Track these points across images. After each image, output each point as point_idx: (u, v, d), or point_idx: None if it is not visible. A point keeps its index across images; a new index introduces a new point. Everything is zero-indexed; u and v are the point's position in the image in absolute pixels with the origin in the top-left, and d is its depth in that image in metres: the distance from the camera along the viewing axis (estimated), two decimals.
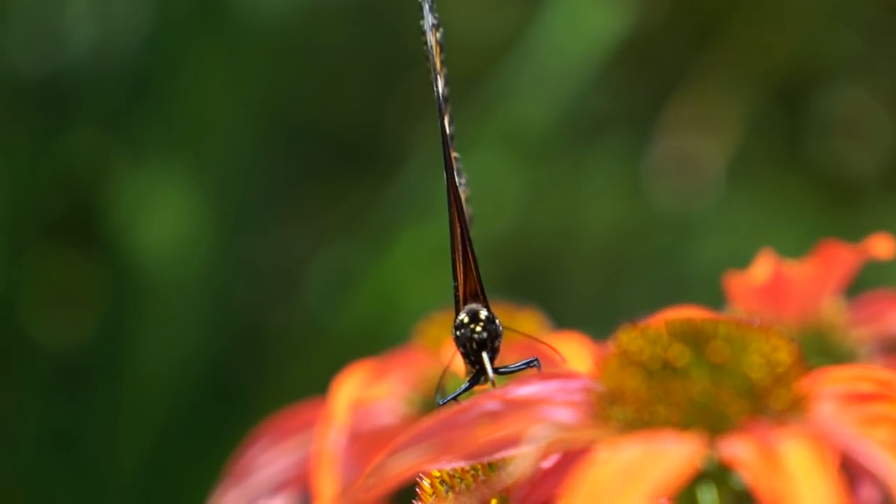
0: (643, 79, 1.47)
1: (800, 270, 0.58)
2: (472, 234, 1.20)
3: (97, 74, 1.42)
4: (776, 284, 0.58)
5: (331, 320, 1.38)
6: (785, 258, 1.41)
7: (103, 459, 1.36)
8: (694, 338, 0.41)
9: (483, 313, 0.50)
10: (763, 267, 0.58)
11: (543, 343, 0.57)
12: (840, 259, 0.57)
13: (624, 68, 1.41)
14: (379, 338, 1.34)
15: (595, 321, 1.45)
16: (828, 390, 0.42)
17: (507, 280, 1.44)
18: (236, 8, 1.40)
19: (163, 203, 1.38)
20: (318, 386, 1.30)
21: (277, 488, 0.62)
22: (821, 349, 0.59)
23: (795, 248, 1.43)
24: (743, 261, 1.44)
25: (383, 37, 1.56)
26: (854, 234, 1.43)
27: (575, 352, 0.56)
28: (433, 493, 0.46)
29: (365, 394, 0.58)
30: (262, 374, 1.42)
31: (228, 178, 1.42)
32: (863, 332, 0.60)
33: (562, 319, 1.46)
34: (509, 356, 0.57)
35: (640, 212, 1.43)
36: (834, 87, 1.50)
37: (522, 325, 0.61)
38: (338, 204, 1.54)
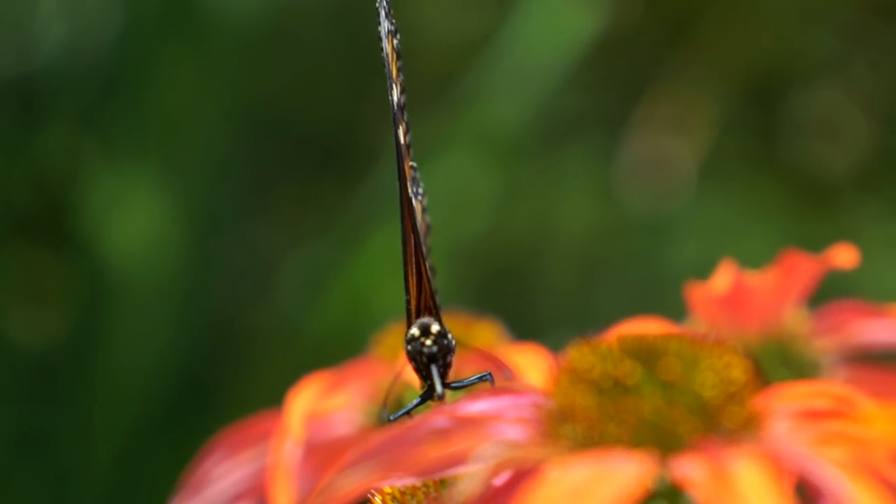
0: (616, 79, 1.47)
1: (761, 280, 0.57)
2: (443, 236, 1.20)
3: (68, 73, 1.41)
4: (737, 294, 0.57)
5: (303, 320, 1.38)
6: (758, 259, 1.41)
7: (75, 460, 1.35)
8: (645, 355, 0.41)
9: (434, 327, 0.50)
10: (723, 277, 0.57)
11: (498, 356, 0.56)
12: (802, 268, 0.57)
13: (596, 68, 1.41)
14: (351, 338, 1.33)
15: (570, 322, 1.46)
16: (783, 407, 0.42)
17: (481, 281, 1.44)
18: (207, 6, 1.39)
19: (134, 202, 1.38)
20: (289, 385, 1.30)
21: (233, 500, 0.61)
22: (783, 360, 0.58)
23: (769, 249, 1.43)
24: (716, 262, 1.44)
25: (358, 35, 1.56)
26: (828, 235, 1.43)
27: (532, 364, 0.56)
28: (386, 501, 0.45)
29: (321, 405, 0.58)
30: (235, 373, 1.42)
31: (200, 177, 1.42)
32: (826, 343, 0.59)
33: (536, 320, 1.46)
34: (467, 368, 0.57)
35: (613, 213, 1.43)
36: (808, 88, 1.50)
37: (480, 335, 0.60)
38: (311, 203, 1.54)
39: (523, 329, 1.43)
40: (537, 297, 1.46)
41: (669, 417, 0.40)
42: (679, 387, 0.40)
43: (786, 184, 1.47)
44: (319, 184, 1.57)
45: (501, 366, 0.56)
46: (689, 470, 0.39)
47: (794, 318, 0.59)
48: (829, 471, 0.39)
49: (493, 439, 0.41)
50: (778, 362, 0.58)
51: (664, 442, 0.40)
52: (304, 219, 1.54)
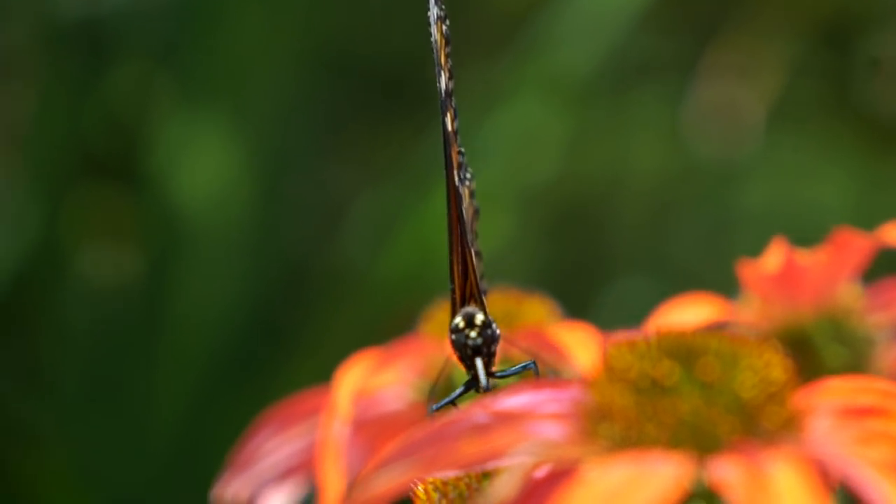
0: (686, 23, 1.46)
1: (814, 257, 0.57)
2: (514, 181, 1.20)
3: (137, 15, 1.41)
4: (789, 272, 0.57)
5: (372, 263, 1.38)
6: (829, 203, 1.41)
7: (145, 401, 1.36)
8: (684, 354, 0.40)
9: (479, 318, 0.49)
10: (775, 255, 0.57)
11: (547, 336, 0.56)
12: (855, 246, 0.56)
13: (666, 12, 1.41)
14: (419, 283, 1.34)
15: (642, 265, 1.46)
16: (825, 404, 0.41)
17: (553, 226, 1.43)
18: None
19: (205, 143, 1.38)
20: (358, 330, 1.30)
21: (283, 476, 0.61)
22: (836, 336, 0.58)
23: (840, 193, 1.43)
24: (786, 205, 1.43)
25: None
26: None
27: (581, 343, 0.55)
28: (426, 499, 0.45)
29: (371, 381, 0.58)
30: (305, 316, 1.42)
31: (271, 116, 1.42)
32: (880, 318, 0.59)
33: (607, 264, 1.46)
34: (519, 343, 0.56)
35: (683, 157, 1.42)
36: (881, 29, 1.49)
37: (531, 313, 0.60)
38: (383, 143, 1.54)
39: (595, 273, 1.44)
40: (608, 240, 1.46)
41: (708, 418, 0.40)
42: (718, 387, 0.40)
43: (858, 127, 1.46)
44: (392, 124, 1.57)
45: (550, 344, 0.56)
46: (726, 472, 0.39)
47: (848, 295, 0.58)
48: (868, 473, 0.39)
49: (531, 436, 0.41)
50: (831, 339, 0.58)
51: (702, 443, 0.39)
52: (375, 159, 1.54)
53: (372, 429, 0.59)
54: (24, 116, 1.42)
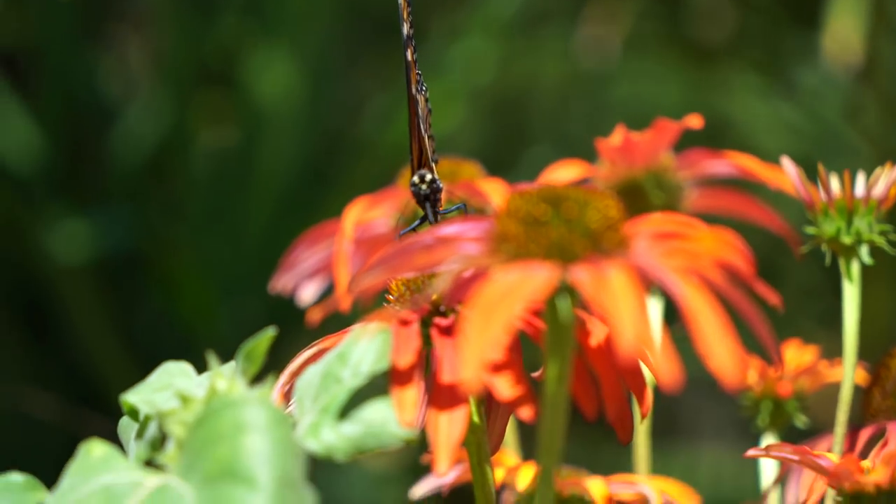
0: None
1: (643, 135, 0.56)
2: (466, 86, 1.16)
3: None
4: (627, 145, 0.55)
5: (382, 136, 1.36)
6: (668, 97, 1.38)
7: (242, 220, 1.35)
8: (554, 200, 0.39)
9: (428, 177, 0.48)
10: (617, 134, 0.56)
11: (475, 186, 0.55)
12: (669, 128, 0.55)
13: None
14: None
15: (548, 138, 1.44)
16: (645, 231, 0.40)
17: (491, 113, 1.42)
18: None
19: (276, 61, 1.36)
20: (372, 177, 1.28)
21: (313, 274, 0.61)
22: (658, 185, 0.57)
23: (674, 90, 1.41)
24: (640, 98, 1.41)
25: None
26: (711, 82, 1.40)
27: (496, 191, 0.54)
28: (397, 290, 0.44)
29: (367, 215, 0.57)
30: (340, 168, 1.41)
31: (318, 44, 1.40)
32: (686, 174, 0.58)
33: (526, 137, 1.44)
34: (458, 191, 0.55)
35: (573, 69, 1.40)
36: None
37: (466, 171, 0.59)
38: (389, 62, 1.51)
39: (517, 144, 1.42)
40: (527, 123, 1.44)
41: (569, 241, 0.39)
42: (575, 221, 0.39)
43: (684, 49, 1.44)
44: (395, 48, 1.55)
45: (477, 192, 0.55)
46: (581, 275, 0.38)
47: (666, 159, 0.57)
48: (669, 275, 0.38)
49: (459, 252, 0.40)
50: (655, 187, 0.57)
51: (565, 257, 0.39)
52: (386, 71, 1.51)
53: (367, 245, 0.58)
54: (161, 46, 1.39)
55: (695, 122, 0.54)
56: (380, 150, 1.36)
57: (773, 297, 0.41)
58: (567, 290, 0.39)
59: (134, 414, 0.43)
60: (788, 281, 1.36)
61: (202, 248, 1.32)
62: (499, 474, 0.52)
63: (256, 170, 1.37)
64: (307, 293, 0.60)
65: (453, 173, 0.57)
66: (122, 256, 1.27)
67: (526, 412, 0.40)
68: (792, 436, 0.56)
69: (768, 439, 0.54)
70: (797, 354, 0.55)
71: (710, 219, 0.47)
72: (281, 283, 0.60)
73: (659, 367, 0.36)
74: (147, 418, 0.42)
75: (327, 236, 0.59)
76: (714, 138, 1.40)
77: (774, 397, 0.54)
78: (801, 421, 0.54)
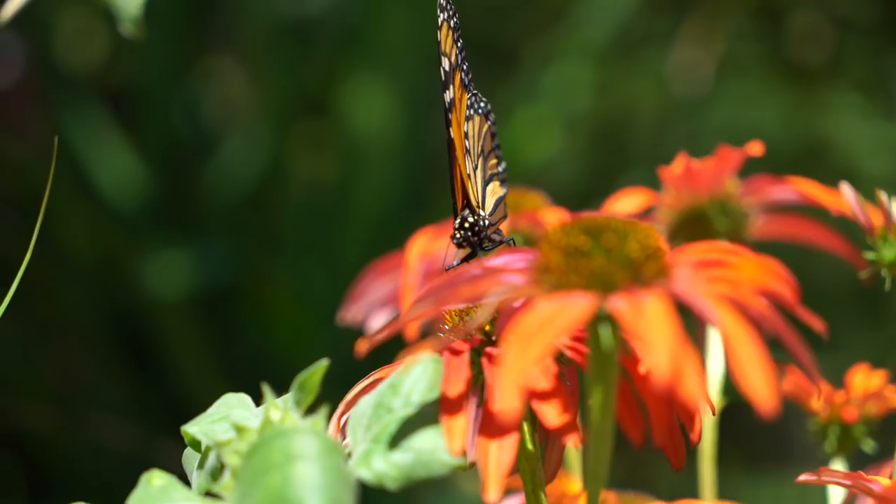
0: (669, 4, 1.43)
1: (706, 163, 0.56)
2: (561, 112, 1.17)
3: (330, 13, 1.41)
4: (690, 173, 0.56)
5: None
6: (766, 121, 1.38)
7: (339, 250, 1.37)
8: (594, 231, 0.40)
9: (469, 219, 0.49)
10: (679, 162, 0.56)
11: (536, 215, 0.56)
12: (732, 155, 0.56)
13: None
14: (509, 175, 1.34)
15: (644, 162, 1.44)
16: (686, 259, 0.41)
17: (589, 139, 1.42)
18: None
19: (373, 92, 1.38)
20: None
21: (382, 305, 0.62)
22: (723, 211, 0.57)
23: (773, 114, 1.41)
24: (738, 122, 1.41)
25: None
26: (811, 104, 1.39)
27: (557, 219, 0.55)
28: (450, 318, 0.46)
29: (432, 246, 0.58)
30: (435, 193, 1.42)
31: (413, 75, 1.41)
32: (750, 200, 0.58)
33: (626, 161, 1.44)
34: (521, 221, 0.56)
35: (668, 94, 1.40)
36: (801, 5, 1.45)
37: (529, 202, 0.60)
38: (480, 89, 1.52)
39: (614, 169, 1.43)
40: (622, 149, 1.44)
41: (608, 271, 0.40)
42: (615, 251, 0.40)
43: (783, 72, 1.43)
44: (485, 74, 1.56)
45: (539, 222, 0.56)
46: (619, 304, 0.39)
47: (730, 185, 0.58)
48: (707, 302, 0.39)
49: (504, 282, 0.41)
50: (719, 213, 0.57)
51: (605, 286, 0.40)
52: (483, 95, 1.52)
53: (433, 275, 0.59)
54: (261, 77, 1.42)
55: (756, 149, 0.55)
56: None
57: (817, 324, 0.41)
58: (608, 318, 0.40)
59: (196, 445, 0.45)
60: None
61: (299, 279, 1.34)
62: None
63: (353, 199, 1.39)
64: (376, 324, 0.61)
65: (517, 204, 0.58)
66: (219, 289, 1.30)
67: (573, 439, 0.41)
68: (869, 460, 0.56)
69: (836, 464, 0.55)
70: (865, 379, 0.55)
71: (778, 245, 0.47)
72: (350, 313, 0.62)
73: (756, 392, 0.37)
74: (207, 449, 0.44)
75: (394, 268, 0.61)
76: (815, 160, 1.39)
77: (841, 422, 0.54)
78: (868, 446, 0.55)
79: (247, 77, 1.46)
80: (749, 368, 0.37)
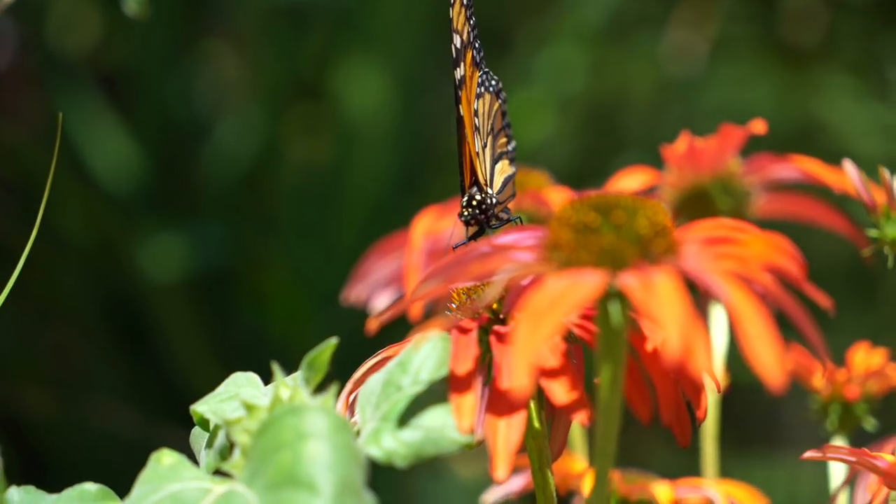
0: None
1: (708, 142, 0.56)
2: (555, 94, 1.17)
3: (323, 0, 1.41)
4: (693, 152, 0.56)
5: None
6: (759, 101, 1.38)
7: (334, 232, 1.37)
8: (604, 208, 0.40)
9: (477, 197, 0.49)
10: (682, 141, 0.56)
11: (540, 195, 0.56)
12: (735, 134, 0.56)
13: None
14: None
15: (638, 144, 1.44)
16: (694, 236, 0.41)
17: (582, 120, 1.42)
18: None
19: (367, 74, 1.38)
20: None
21: (386, 284, 0.62)
22: (725, 190, 0.58)
23: (766, 94, 1.41)
24: (731, 102, 1.41)
25: None
26: (804, 84, 1.39)
27: (559, 198, 0.55)
28: (458, 297, 0.46)
29: (436, 225, 0.58)
30: (431, 175, 1.42)
31: (407, 58, 1.41)
32: (752, 179, 0.58)
33: (619, 142, 1.44)
34: (525, 200, 0.56)
35: (662, 75, 1.40)
36: None
37: (534, 181, 0.60)
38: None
39: (608, 150, 1.43)
40: (616, 130, 1.44)
41: (618, 247, 0.40)
42: (625, 228, 0.40)
43: (776, 52, 1.43)
44: (489, 55, 1.55)
45: (543, 201, 0.56)
46: (629, 280, 0.39)
47: (732, 164, 0.58)
48: (715, 278, 0.39)
49: (514, 260, 0.41)
50: (722, 192, 0.58)
51: (615, 263, 0.40)
52: None
53: (438, 255, 0.59)
54: (255, 60, 1.42)
55: (759, 127, 0.55)
56: None
57: (823, 300, 0.41)
58: (617, 295, 0.40)
59: (204, 424, 0.45)
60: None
61: (294, 262, 1.34)
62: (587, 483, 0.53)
63: (348, 182, 1.39)
64: (380, 303, 0.61)
65: (520, 183, 0.58)
66: (214, 272, 1.30)
67: (581, 417, 0.42)
68: (871, 438, 0.56)
69: (838, 442, 0.55)
70: (866, 357, 0.56)
71: (779, 223, 0.47)
72: (354, 293, 0.62)
73: (765, 368, 0.37)
74: (216, 428, 0.44)
75: (398, 247, 0.61)
76: (808, 141, 1.39)
77: (842, 400, 0.54)
78: (869, 424, 0.55)
79: (241, 60, 1.45)
80: (758, 344, 0.37)
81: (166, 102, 1.38)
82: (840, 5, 1.40)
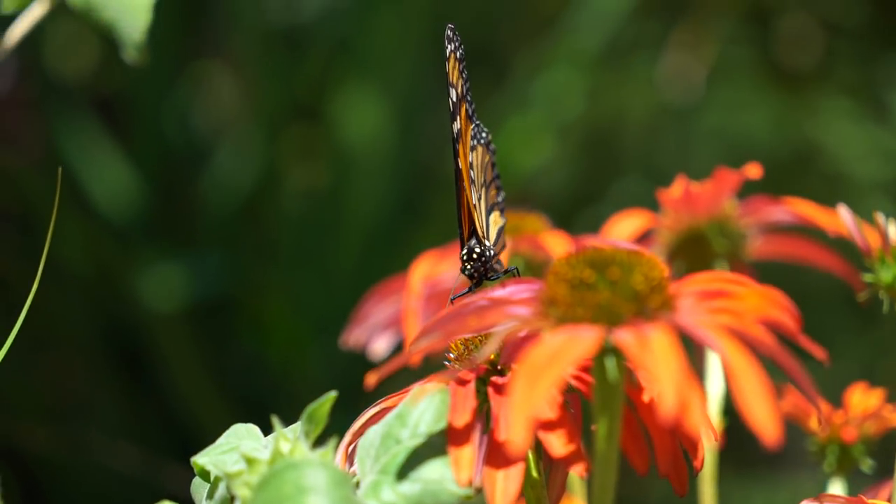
0: (658, 11, 1.44)
1: (704, 186, 0.57)
2: (553, 119, 1.17)
3: (321, 20, 1.42)
4: (689, 195, 0.57)
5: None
6: (757, 125, 1.39)
7: (332, 259, 1.37)
8: (599, 264, 0.41)
9: (476, 250, 0.50)
10: (678, 186, 0.57)
11: (538, 239, 0.57)
12: (730, 178, 0.56)
13: (644, 5, 1.38)
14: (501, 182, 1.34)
15: (636, 169, 1.45)
16: (690, 290, 0.42)
17: (579, 146, 1.43)
18: None
19: (364, 99, 1.39)
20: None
21: (385, 327, 0.63)
22: (722, 232, 0.58)
23: (763, 118, 1.41)
24: (729, 126, 1.42)
25: None
26: (801, 107, 1.40)
27: (558, 244, 0.56)
28: (456, 348, 0.46)
29: (435, 269, 0.59)
30: (431, 201, 1.43)
31: (404, 81, 1.42)
32: (749, 221, 0.59)
33: (616, 168, 1.45)
34: (521, 245, 0.57)
35: (658, 99, 1.41)
36: (790, 9, 1.46)
37: (530, 225, 0.60)
38: (481, 92, 1.53)
39: (606, 176, 1.43)
40: (615, 155, 1.45)
41: (614, 304, 0.40)
42: (620, 284, 0.41)
43: (774, 76, 1.44)
44: (478, 80, 1.56)
45: (540, 246, 0.56)
46: (624, 337, 0.40)
47: (728, 207, 0.59)
48: (711, 335, 0.39)
49: (511, 314, 0.42)
50: (718, 234, 0.58)
51: (611, 319, 0.40)
52: (476, 103, 1.52)
53: (437, 299, 0.60)
54: (252, 84, 1.42)
55: (754, 171, 0.55)
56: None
57: (818, 352, 0.42)
58: (614, 351, 0.40)
59: (205, 475, 0.45)
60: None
61: (293, 289, 1.34)
62: None
63: (346, 208, 1.39)
64: (379, 347, 0.62)
65: (517, 227, 0.59)
66: (213, 299, 1.30)
67: (579, 469, 0.42)
68: (867, 480, 0.57)
69: (835, 484, 0.55)
70: (863, 398, 0.56)
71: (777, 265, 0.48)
72: (353, 337, 0.62)
73: (760, 424, 0.38)
74: (216, 479, 0.45)
75: (397, 290, 0.62)
76: (806, 164, 1.40)
77: (840, 442, 0.55)
78: (867, 465, 0.55)
79: (239, 85, 1.46)
80: (752, 400, 0.38)
81: (164, 128, 1.39)
82: (835, 28, 1.41)
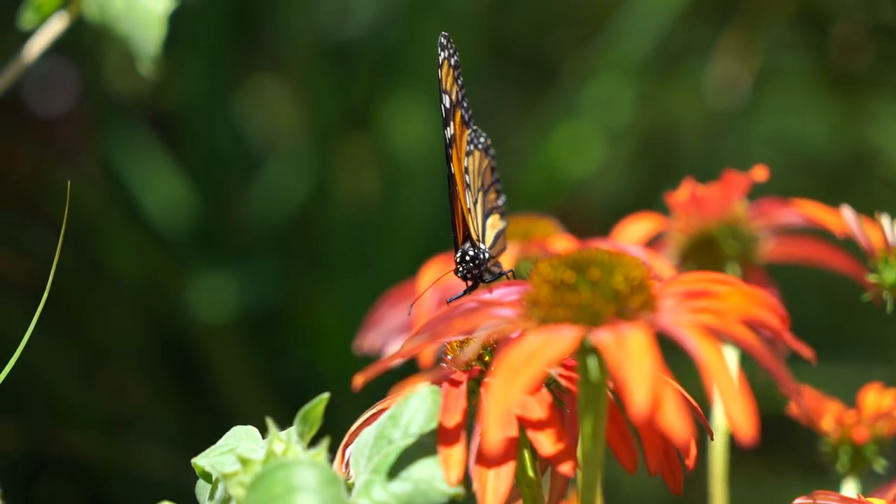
0: (707, 16, 1.43)
1: (712, 188, 0.58)
2: (602, 126, 1.17)
3: (370, 36, 1.43)
4: (697, 198, 0.57)
5: (516, 178, 1.38)
6: (812, 131, 1.38)
7: (383, 271, 1.38)
8: (580, 265, 0.42)
9: (470, 253, 0.51)
10: (684, 189, 0.58)
11: (545, 242, 0.57)
12: (739, 180, 0.57)
13: (694, 10, 1.38)
14: (548, 192, 1.35)
15: (697, 168, 1.44)
16: (672, 290, 0.43)
17: (631, 152, 1.43)
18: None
19: (412, 112, 1.40)
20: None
21: (399, 332, 0.64)
22: (732, 235, 0.59)
23: (818, 123, 1.41)
24: (784, 132, 1.41)
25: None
26: (857, 113, 1.39)
27: (565, 245, 0.57)
28: (452, 348, 0.47)
29: (444, 275, 0.59)
30: None
31: None
32: (759, 223, 0.59)
33: (672, 170, 1.45)
34: (532, 248, 0.58)
35: (707, 105, 1.40)
36: (845, 12, 1.45)
37: (540, 229, 0.61)
38: (530, 99, 1.53)
39: (657, 182, 1.43)
40: (672, 161, 1.45)
41: (594, 304, 0.41)
42: (600, 285, 0.41)
43: (828, 80, 1.43)
44: (528, 91, 1.57)
45: (549, 250, 0.57)
46: (603, 337, 0.40)
47: (738, 209, 0.59)
48: (687, 335, 0.40)
49: (497, 316, 0.43)
50: (729, 237, 0.59)
51: (591, 319, 0.41)
52: (524, 108, 1.53)
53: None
54: (304, 97, 1.44)
55: (760, 174, 0.56)
56: (517, 189, 1.38)
57: (805, 351, 0.42)
58: (592, 351, 0.41)
59: (207, 476, 0.47)
60: None
61: (344, 299, 1.35)
62: None
63: (396, 216, 1.40)
64: (393, 351, 0.63)
65: (527, 231, 0.60)
66: (265, 310, 1.32)
67: (566, 467, 0.43)
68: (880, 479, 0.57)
69: (848, 484, 0.56)
70: (877, 398, 0.56)
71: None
72: (367, 341, 0.63)
73: (735, 421, 0.38)
74: (216, 480, 0.46)
75: (410, 295, 0.63)
76: (864, 170, 1.39)
77: (852, 443, 0.55)
78: (879, 465, 0.56)
79: (290, 97, 1.48)
80: (729, 401, 0.38)
81: (216, 140, 1.41)
82: (889, 31, 1.40)
